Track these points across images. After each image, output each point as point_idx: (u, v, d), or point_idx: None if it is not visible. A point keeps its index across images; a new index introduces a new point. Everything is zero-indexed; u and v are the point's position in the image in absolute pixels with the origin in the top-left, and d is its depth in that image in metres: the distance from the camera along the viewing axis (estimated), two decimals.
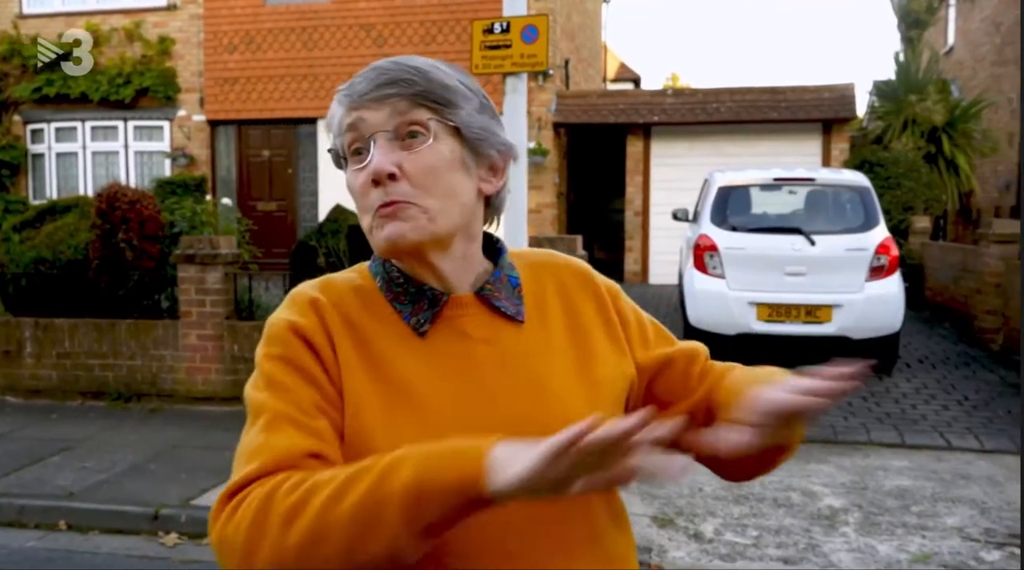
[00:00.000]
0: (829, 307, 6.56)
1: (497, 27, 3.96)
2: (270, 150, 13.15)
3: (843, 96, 11.00)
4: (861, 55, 48.44)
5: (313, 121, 12.54)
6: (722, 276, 6.71)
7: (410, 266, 1.06)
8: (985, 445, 5.33)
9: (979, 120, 11.39)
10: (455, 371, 1.02)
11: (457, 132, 1.03)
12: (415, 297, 1.05)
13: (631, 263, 12.19)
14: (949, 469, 4.94)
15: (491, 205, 1.10)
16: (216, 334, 6.34)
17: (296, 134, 13.02)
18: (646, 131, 11.85)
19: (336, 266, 6.61)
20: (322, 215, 10.88)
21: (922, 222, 10.06)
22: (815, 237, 6.60)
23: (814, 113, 10.91)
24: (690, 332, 6.87)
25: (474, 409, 1.00)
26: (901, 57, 11.47)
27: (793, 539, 4.03)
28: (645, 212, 12.00)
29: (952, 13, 14.74)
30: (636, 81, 27.03)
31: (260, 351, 1.03)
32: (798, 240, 6.63)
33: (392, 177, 0.99)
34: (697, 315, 6.83)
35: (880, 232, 6.68)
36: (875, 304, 6.55)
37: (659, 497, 4.51)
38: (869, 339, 6.64)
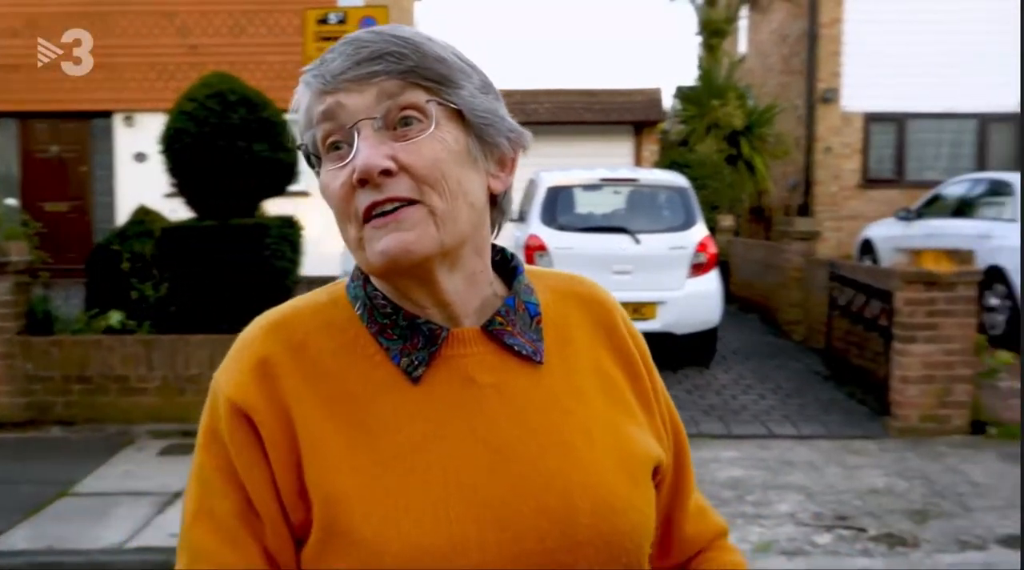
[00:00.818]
0: (654, 304, 6.76)
1: (332, 17, 3.73)
2: (60, 146, 12.02)
3: (651, 100, 11.47)
4: (665, 60, 51.21)
5: (108, 114, 11.58)
6: None
7: (405, 289, 0.83)
8: (802, 431, 5.65)
9: (772, 125, 12.20)
10: (457, 425, 0.80)
11: (460, 116, 0.82)
12: (407, 332, 0.83)
13: None
14: (774, 457, 5.19)
15: (497, 207, 0.88)
16: (6, 352, 5.65)
17: (90, 129, 11.97)
18: None
19: (143, 273, 6.08)
20: (121, 216, 10.06)
21: (727, 221, 10.66)
22: (640, 236, 6.78)
23: (626, 115, 11.31)
24: None
25: (481, 472, 0.79)
26: (703, 64, 12.14)
27: None
28: None
29: (744, 24, 15.72)
30: None
31: (201, 419, 0.83)
32: (624, 239, 6.79)
33: (387, 173, 0.77)
34: None
35: (699, 230, 6.96)
36: (696, 300, 6.82)
37: None
38: (691, 334, 6.91)
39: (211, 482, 0.79)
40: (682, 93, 12.68)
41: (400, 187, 0.78)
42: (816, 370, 7.14)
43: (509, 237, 9.01)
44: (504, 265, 0.91)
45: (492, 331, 0.85)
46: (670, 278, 6.79)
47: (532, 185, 7.78)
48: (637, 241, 6.76)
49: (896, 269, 5.51)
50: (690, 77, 16.93)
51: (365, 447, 0.78)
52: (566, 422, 0.84)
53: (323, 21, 3.73)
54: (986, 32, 12.92)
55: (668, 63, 50.58)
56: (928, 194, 9.75)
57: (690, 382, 6.81)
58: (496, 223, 0.89)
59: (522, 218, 7.68)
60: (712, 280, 6.94)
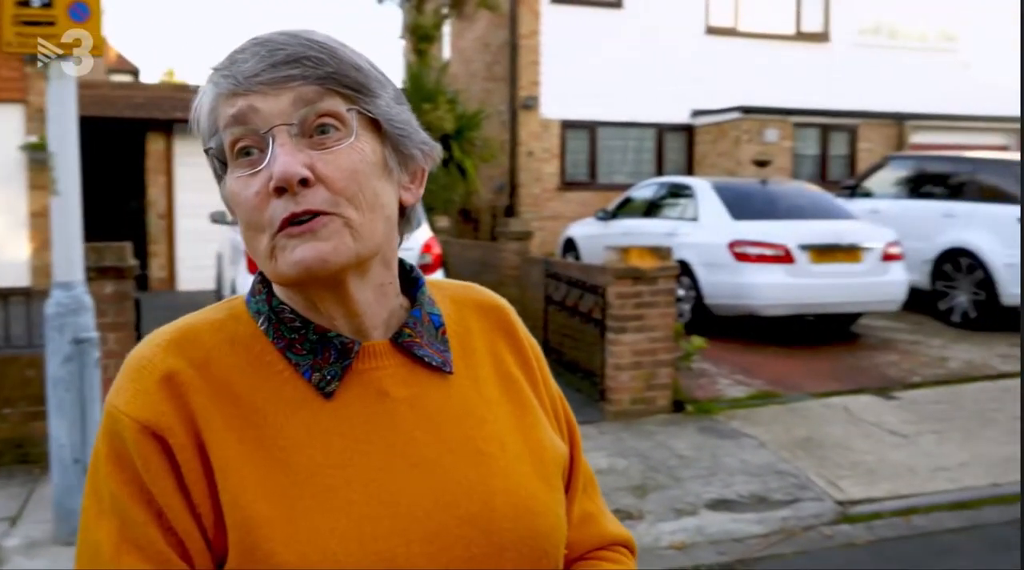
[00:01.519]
0: None
1: (36, 0, 3.32)
2: None
3: None
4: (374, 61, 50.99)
5: None
6: None
7: (316, 300, 0.80)
8: None
9: (480, 129, 12.68)
10: (372, 439, 0.78)
11: (376, 127, 0.80)
12: (317, 346, 0.80)
13: (156, 269, 11.30)
14: None
15: (404, 218, 0.86)
16: None
17: None
18: (168, 128, 11.04)
19: None
20: None
21: (443, 222, 10.92)
22: None
23: None
24: None
25: (400, 484, 0.77)
26: (413, 68, 12.32)
27: None
28: (170, 215, 11.19)
29: (447, 31, 16.18)
30: (135, 73, 25.18)
31: (97, 448, 0.76)
32: None
33: (304, 182, 0.74)
34: None
35: (424, 232, 7.07)
36: None
37: None
38: None
39: (127, 512, 0.73)
40: None
41: (317, 199, 0.75)
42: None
43: (220, 241, 8.56)
44: (405, 277, 0.89)
45: (402, 343, 0.84)
46: None
47: None
48: None
49: (608, 265, 5.98)
50: (396, 80, 17.04)
51: (281, 467, 0.75)
52: (480, 431, 0.84)
53: (23, 3, 3.31)
54: (665, 50, 14.40)
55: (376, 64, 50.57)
56: (621, 196, 10.68)
57: None
58: (402, 234, 0.88)
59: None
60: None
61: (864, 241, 7.97)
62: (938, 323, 9.13)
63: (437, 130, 11.67)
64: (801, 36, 15.24)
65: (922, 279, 9.05)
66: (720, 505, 4.50)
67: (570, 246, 11.37)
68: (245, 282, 6.57)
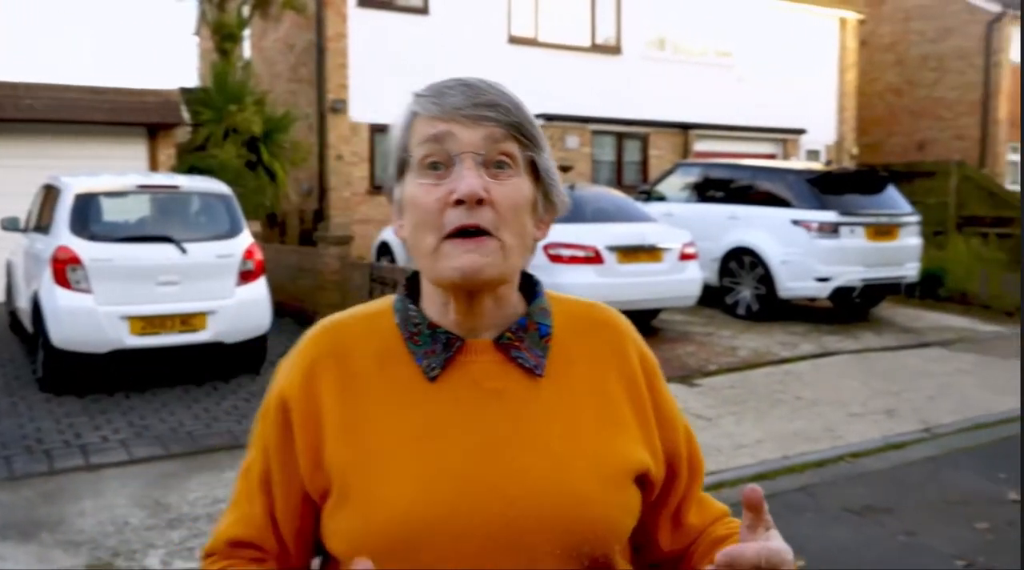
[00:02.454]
0: (204, 314, 6.59)
1: None
2: None
3: (167, 102, 10.98)
4: (162, 59, 47.91)
5: None
6: (89, 290, 6.20)
7: (449, 299, 0.99)
8: None
9: (289, 132, 12.48)
10: (462, 420, 0.97)
11: (535, 174, 1.00)
12: (429, 339, 1.00)
13: None
14: None
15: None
16: None
17: None
18: None
19: None
20: None
21: (255, 226, 10.66)
22: (186, 245, 6.56)
23: (140, 117, 10.66)
24: (54, 355, 6.23)
25: (470, 461, 0.94)
26: (218, 68, 11.92)
27: None
28: None
29: (248, 31, 15.74)
30: None
31: (267, 390, 1.05)
32: (168, 249, 6.50)
33: (480, 202, 0.93)
34: (63, 335, 6.19)
35: (245, 237, 6.96)
36: (246, 308, 6.81)
37: (84, 543, 4.06)
38: (241, 342, 6.89)
39: (254, 447, 1.05)
40: (194, 96, 12.30)
41: (485, 217, 0.93)
42: None
43: (12, 249, 7.98)
44: (529, 288, 1.07)
45: (502, 344, 1.00)
46: (219, 287, 6.68)
47: (51, 191, 7.03)
48: (183, 250, 6.52)
49: None
50: (190, 79, 16.37)
51: (383, 431, 0.97)
52: (552, 428, 0.98)
53: None
54: (470, 57, 14.76)
55: (165, 63, 47.87)
56: None
57: (246, 390, 6.79)
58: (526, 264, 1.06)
59: (43, 228, 6.90)
60: (261, 287, 6.99)
61: (664, 242, 8.65)
62: (727, 316, 10.05)
63: (245, 132, 11.41)
64: (596, 48, 16.14)
65: (712, 276, 9.92)
66: None
67: (385, 250, 11.47)
68: (53, 293, 6.20)
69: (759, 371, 7.65)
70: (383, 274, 7.29)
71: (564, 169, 14.18)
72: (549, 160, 1.02)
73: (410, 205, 0.97)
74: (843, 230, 9.41)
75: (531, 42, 15.48)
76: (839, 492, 4.86)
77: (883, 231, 9.66)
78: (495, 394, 0.99)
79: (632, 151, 15.79)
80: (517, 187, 0.97)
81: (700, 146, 16.10)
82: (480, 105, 0.95)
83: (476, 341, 1.00)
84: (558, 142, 14.30)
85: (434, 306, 1.01)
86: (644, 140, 15.72)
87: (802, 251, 9.43)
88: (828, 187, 9.80)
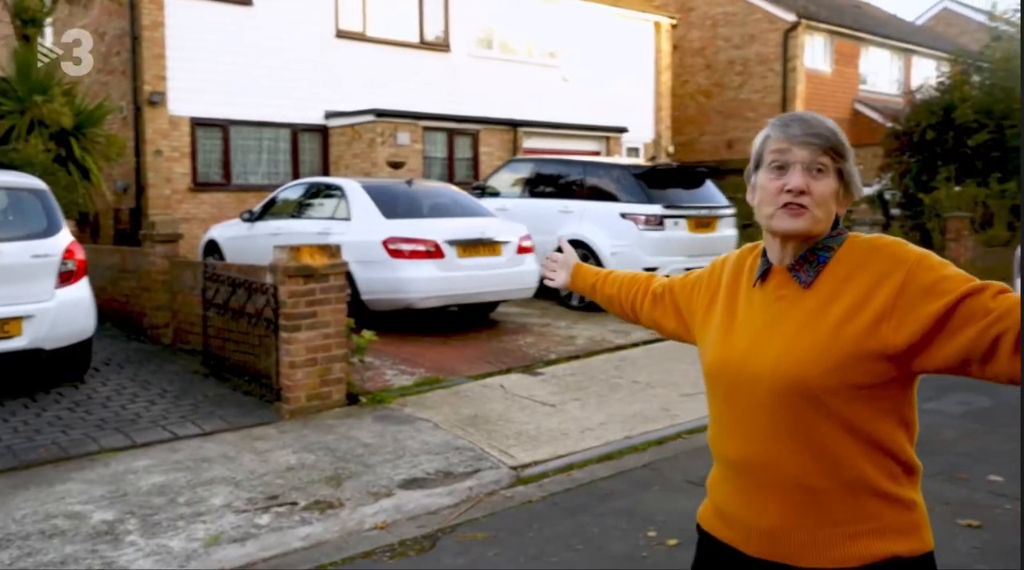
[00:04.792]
0: (19, 319, 6.10)
1: None
2: None
3: None
4: None
5: None
6: None
7: (780, 243, 1.62)
8: (204, 428, 5.78)
9: (102, 125, 11.71)
10: (759, 309, 1.65)
11: (840, 175, 1.60)
12: (764, 263, 1.68)
13: None
14: (188, 457, 5.25)
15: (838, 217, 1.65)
16: None
17: None
18: None
19: None
20: None
21: (69, 226, 9.93)
22: None
23: None
24: None
25: (752, 333, 1.63)
26: (20, 56, 10.97)
27: (85, 564, 3.81)
28: None
29: (51, 18, 14.62)
30: None
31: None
32: None
33: (802, 192, 1.56)
34: None
35: (65, 237, 6.50)
36: (67, 311, 6.37)
37: None
38: (63, 348, 6.43)
39: (688, 274, 1.98)
40: None
41: (804, 200, 1.57)
42: (195, 370, 7.27)
43: None
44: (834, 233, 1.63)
45: (789, 267, 1.62)
46: (37, 289, 6.20)
47: None
48: None
49: (278, 264, 6.01)
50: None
51: (729, 307, 1.72)
52: (804, 321, 1.56)
53: None
54: (296, 51, 14.40)
55: None
56: (268, 197, 10.57)
57: (69, 400, 6.34)
58: (837, 224, 1.64)
59: None
60: (83, 288, 6.55)
61: (502, 236, 8.81)
62: (561, 307, 10.36)
63: (53, 125, 10.61)
64: (425, 45, 16.16)
65: None
66: (412, 484, 4.82)
67: (212, 248, 11.00)
68: None
69: (597, 358, 7.95)
70: (217, 272, 7.01)
71: (395, 165, 14.11)
72: (851, 166, 1.61)
73: (761, 187, 1.63)
74: (668, 222, 9.93)
75: (359, 37, 15.30)
76: (680, 466, 5.15)
77: (703, 223, 10.28)
78: (777, 296, 1.63)
79: (463, 148, 15.92)
80: (827, 183, 1.59)
81: (528, 143, 16.46)
82: (809, 134, 1.58)
83: (778, 267, 1.64)
84: (389, 138, 14.20)
85: (769, 245, 1.68)
86: (475, 137, 15.89)
87: (630, 243, 9.87)
88: (653, 182, 10.30)
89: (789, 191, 1.55)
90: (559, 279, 2.34)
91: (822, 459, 1.50)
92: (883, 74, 24.53)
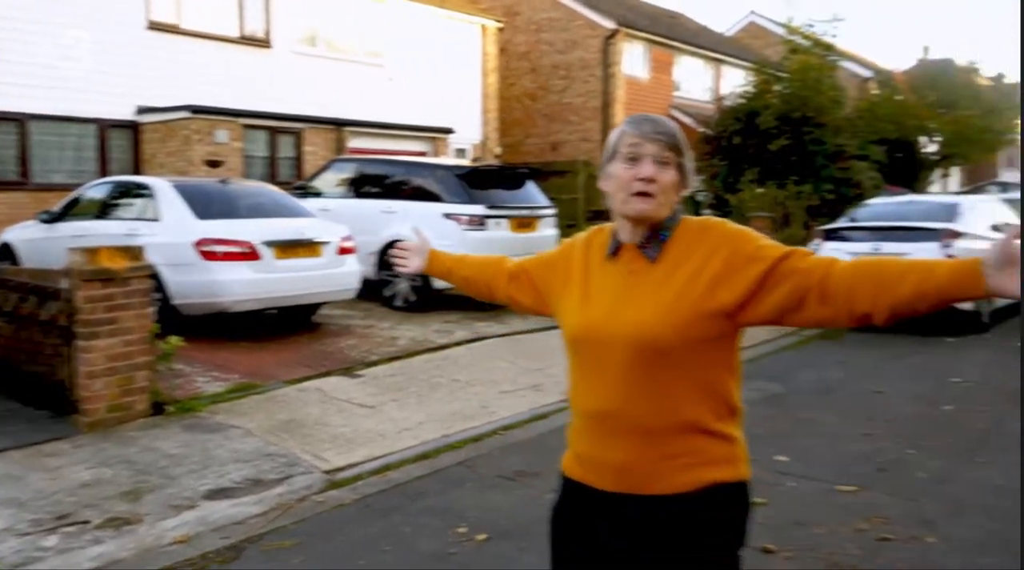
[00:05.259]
0: None
1: None
2: None
3: None
4: None
5: None
6: None
7: (630, 225, 1.86)
8: None
9: None
10: (612, 281, 1.88)
11: (680, 168, 1.85)
12: (612, 240, 1.92)
13: None
14: None
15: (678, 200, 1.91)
16: None
17: None
18: None
19: None
20: None
21: None
22: None
23: None
24: None
25: (608, 301, 1.85)
26: None
27: None
28: None
29: None
30: None
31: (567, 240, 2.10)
32: None
33: (651, 180, 1.80)
34: None
35: None
36: None
37: None
38: None
39: (534, 255, 2.22)
40: None
41: (652, 187, 1.80)
42: None
43: None
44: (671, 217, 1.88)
45: (638, 245, 1.86)
46: None
47: None
48: None
49: (73, 268, 5.64)
50: None
51: (584, 281, 1.94)
52: (651, 290, 1.81)
53: None
54: (104, 41, 13.56)
55: None
56: (68, 196, 9.90)
57: None
58: (675, 207, 1.90)
59: None
60: None
61: (322, 236, 8.65)
62: (385, 308, 10.30)
63: None
64: (245, 40, 15.63)
65: (370, 270, 10.09)
66: (218, 494, 4.65)
67: (6, 253, 10.19)
68: None
69: (418, 358, 7.95)
70: (6, 277, 6.48)
71: (213, 164, 13.57)
72: (688, 161, 1.87)
73: (613, 176, 1.86)
74: (490, 223, 10.07)
75: (173, 29, 14.61)
76: (494, 462, 5.24)
77: (525, 223, 10.49)
78: (628, 270, 1.87)
79: (286, 147, 15.52)
80: (669, 175, 1.84)
81: (354, 143, 16.25)
82: (659, 133, 1.83)
83: (630, 243, 1.88)
84: (206, 136, 13.63)
85: (616, 228, 1.92)
86: (298, 136, 15.52)
87: (453, 243, 9.90)
88: (476, 182, 10.42)
89: (641, 180, 1.79)
90: (413, 265, 2.49)
91: (663, 404, 1.78)
92: (696, 82, 25.92)
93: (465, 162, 13.12)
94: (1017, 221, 11.82)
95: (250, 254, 7.97)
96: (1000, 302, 10.21)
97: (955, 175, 30.83)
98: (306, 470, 5.05)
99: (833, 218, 12.60)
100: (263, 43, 15.92)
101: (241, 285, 7.93)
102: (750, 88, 18.02)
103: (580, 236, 2.04)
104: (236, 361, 7.50)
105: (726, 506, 1.84)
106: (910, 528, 4.14)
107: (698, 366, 1.78)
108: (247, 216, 8.55)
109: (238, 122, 14.16)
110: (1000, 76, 30.56)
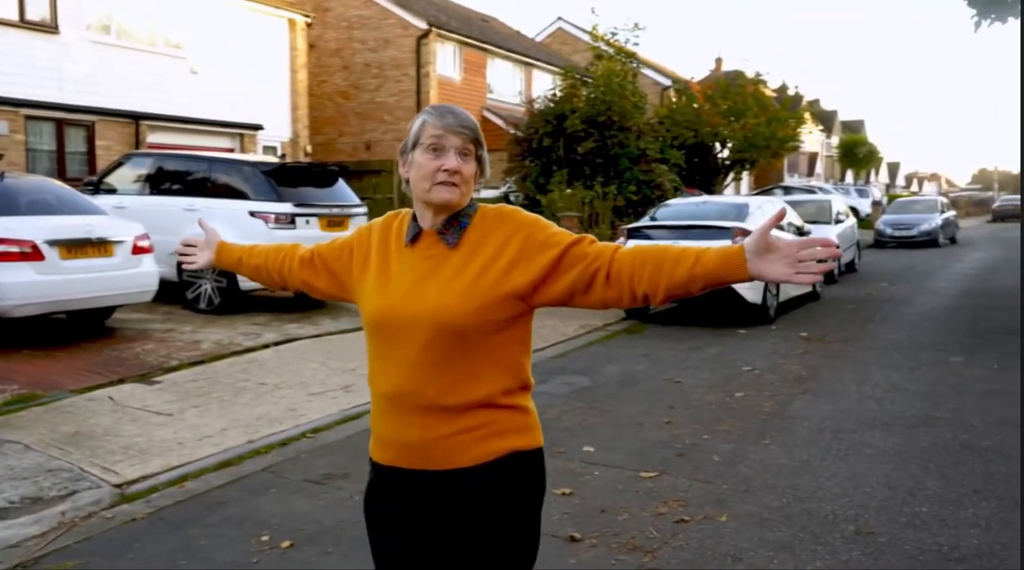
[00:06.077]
0: None
1: None
2: None
3: None
4: None
5: None
6: None
7: (432, 212, 1.89)
8: None
9: None
10: (411, 265, 1.90)
11: (479, 160, 1.92)
12: (412, 228, 1.94)
13: None
14: None
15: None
16: None
17: None
18: None
19: None
20: None
21: None
22: None
23: None
24: None
25: (408, 284, 1.88)
26: None
27: None
28: None
29: None
30: None
31: (366, 225, 2.09)
32: None
33: (456, 172, 1.85)
34: None
35: None
36: None
37: None
38: None
39: (334, 240, 2.17)
40: None
41: (456, 178, 1.85)
42: None
43: None
44: (469, 205, 1.94)
45: (437, 231, 1.90)
46: None
47: None
48: None
49: None
50: None
51: (382, 265, 1.95)
52: (450, 274, 1.85)
53: None
54: None
55: None
56: None
57: None
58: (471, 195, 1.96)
59: None
60: None
61: (114, 235, 8.09)
62: (187, 311, 9.80)
63: None
64: (27, 24, 14.36)
65: (170, 271, 9.54)
66: (5, 514, 4.23)
67: None
68: None
69: (223, 362, 7.60)
70: None
71: None
72: (485, 153, 1.94)
73: (418, 166, 1.88)
74: (299, 221, 9.79)
75: None
76: (301, 466, 5.08)
77: (336, 222, 10.28)
78: (427, 256, 1.90)
79: (76, 141, 14.44)
80: (470, 166, 1.89)
81: (153, 138, 15.36)
82: (463, 126, 1.87)
83: (430, 230, 1.91)
84: None
85: (418, 214, 1.95)
86: (90, 129, 14.47)
87: (260, 242, 9.56)
88: (284, 179, 10.09)
89: (446, 171, 1.83)
90: (201, 260, 2.40)
91: (460, 383, 1.83)
92: (508, 84, 26.42)
93: (273, 159, 12.70)
94: (797, 221, 12.85)
95: (32, 254, 7.34)
96: (783, 296, 11.08)
97: (745, 179, 33.12)
98: (93, 485, 4.69)
99: (637, 218, 13.19)
100: (50, 28, 14.69)
101: (22, 288, 7.28)
102: (558, 92, 18.55)
103: (377, 221, 2.05)
104: (15, 370, 6.88)
105: (524, 472, 1.91)
106: (705, 509, 4.37)
107: (494, 346, 1.85)
108: (28, 213, 7.87)
109: (19, 112, 13.03)
110: (784, 87, 33.11)
